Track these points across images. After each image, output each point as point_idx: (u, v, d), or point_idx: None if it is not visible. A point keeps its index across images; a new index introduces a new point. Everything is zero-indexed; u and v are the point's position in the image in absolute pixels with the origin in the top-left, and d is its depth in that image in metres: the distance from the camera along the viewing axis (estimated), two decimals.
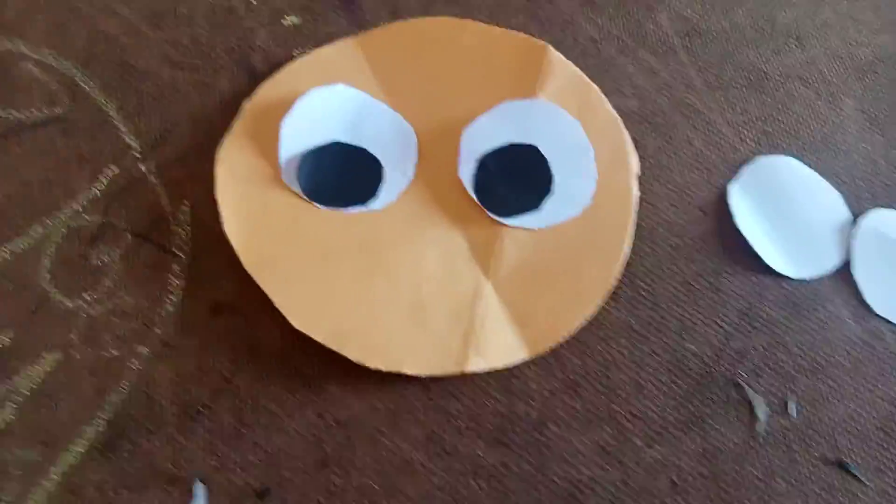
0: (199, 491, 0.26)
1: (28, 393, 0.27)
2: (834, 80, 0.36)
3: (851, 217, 0.33)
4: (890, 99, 0.36)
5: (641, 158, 0.33)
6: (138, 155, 0.31)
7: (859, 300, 0.32)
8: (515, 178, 0.31)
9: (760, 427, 0.29)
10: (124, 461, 0.26)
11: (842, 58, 0.37)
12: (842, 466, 0.29)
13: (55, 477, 0.26)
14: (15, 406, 0.26)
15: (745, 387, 0.30)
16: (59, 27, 0.33)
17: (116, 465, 0.26)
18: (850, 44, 0.37)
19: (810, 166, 0.34)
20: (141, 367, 0.28)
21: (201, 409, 0.27)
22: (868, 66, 0.37)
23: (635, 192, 0.32)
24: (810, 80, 0.36)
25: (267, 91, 0.31)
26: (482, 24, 0.34)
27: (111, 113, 0.31)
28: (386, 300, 0.28)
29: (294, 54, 0.33)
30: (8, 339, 0.27)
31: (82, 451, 0.26)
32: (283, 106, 0.31)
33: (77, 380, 0.27)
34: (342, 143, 0.30)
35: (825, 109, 0.35)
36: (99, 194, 0.30)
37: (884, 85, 0.36)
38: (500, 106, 0.32)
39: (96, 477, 0.26)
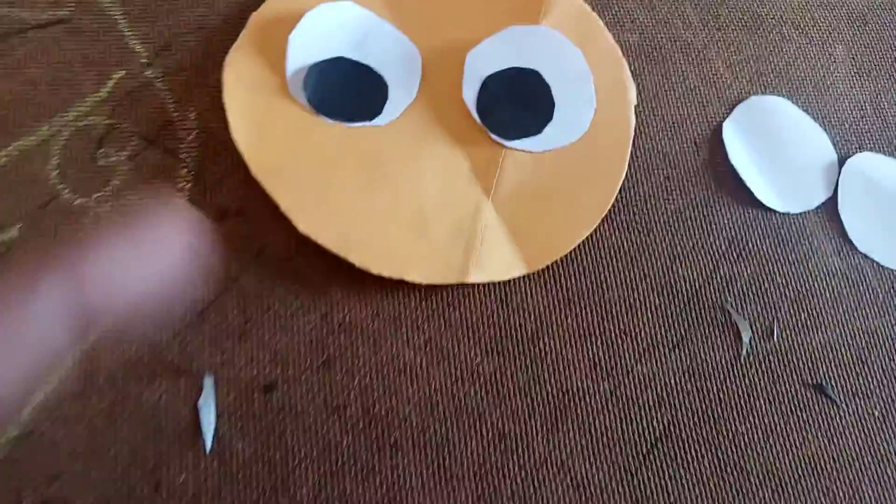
0: (208, 383, 0.26)
1: None
2: (825, 26, 0.38)
3: (838, 158, 0.35)
4: (879, 47, 0.38)
5: (639, 91, 0.35)
6: (144, 60, 0.31)
7: (843, 236, 0.34)
8: (518, 102, 0.32)
9: (744, 349, 0.31)
10: (132, 352, 0.27)
11: (833, 5, 0.38)
12: (819, 389, 0.31)
13: (69, 361, 0.26)
14: None
15: (731, 311, 0.31)
16: None
17: (127, 356, 0.27)
18: None
19: (801, 107, 0.36)
20: None
21: (207, 307, 0.28)
22: (859, 14, 0.38)
23: (632, 121, 0.33)
24: (803, 25, 0.37)
25: (274, 3, 0.32)
26: None
27: (117, 17, 0.31)
28: (389, 211, 0.29)
29: None
30: (17, 232, 0.28)
31: (92, 340, 0.27)
32: (290, 19, 0.31)
33: None
34: (348, 59, 0.31)
35: (816, 54, 0.37)
36: (105, 97, 0.30)
37: (874, 33, 0.38)
38: (505, 31, 0.33)
39: (106, 365, 0.27)
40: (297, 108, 0.30)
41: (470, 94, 0.31)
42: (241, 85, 0.30)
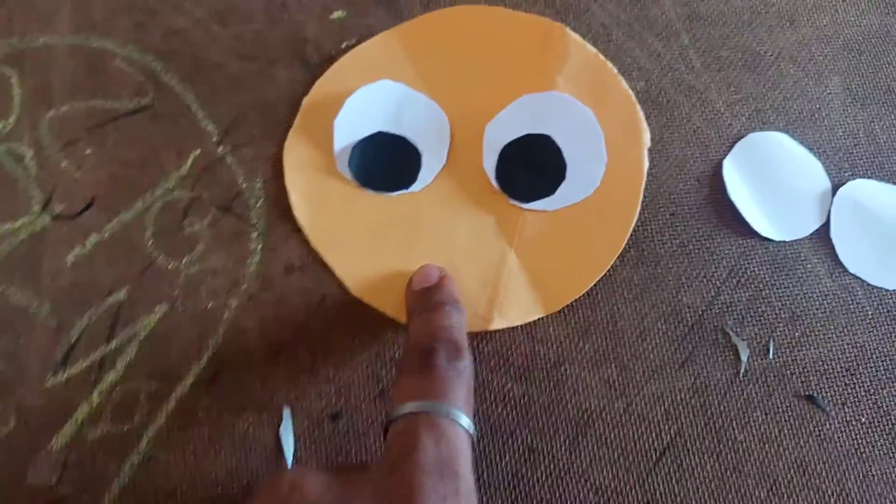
0: (287, 413, 0.33)
1: (145, 336, 0.34)
2: (822, 59, 0.41)
3: (831, 186, 0.39)
4: (873, 76, 0.42)
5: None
6: (215, 139, 0.37)
7: (834, 259, 0.38)
8: (532, 167, 0.37)
9: (742, 367, 0.36)
10: (224, 390, 0.33)
11: (829, 37, 0.42)
12: (811, 400, 0.35)
13: (172, 402, 0.33)
14: (136, 347, 0.34)
15: (731, 333, 0.36)
16: (139, 26, 0.39)
17: (218, 394, 0.33)
18: (839, 24, 0.42)
19: (797, 140, 0.40)
20: (232, 315, 0.35)
21: (282, 348, 0.34)
22: (854, 45, 0.42)
23: (646, 164, 0.37)
24: (800, 60, 0.41)
25: (321, 87, 0.38)
26: (507, 10, 0.40)
27: (189, 102, 0.38)
28: None
29: (342, 46, 0.39)
30: (124, 294, 0.34)
31: (191, 382, 0.33)
32: (336, 101, 0.37)
33: (182, 327, 0.34)
34: (385, 133, 0.37)
35: (813, 87, 0.41)
36: (186, 173, 0.36)
37: (868, 63, 0.42)
38: (518, 100, 0.38)
39: (203, 403, 0.33)
40: (344, 183, 0.36)
41: (489, 164, 0.37)
42: (299, 167, 0.36)
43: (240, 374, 0.34)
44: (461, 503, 0.22)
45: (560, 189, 0.36)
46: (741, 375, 0.35)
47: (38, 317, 0.34)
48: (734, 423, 0.34)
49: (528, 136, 0.37)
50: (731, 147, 0.39)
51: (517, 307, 0.35)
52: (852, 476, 0.34)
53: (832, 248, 0.38)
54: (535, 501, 0.33)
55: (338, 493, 0.23)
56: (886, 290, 0.37)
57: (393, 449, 0.24)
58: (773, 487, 0.33)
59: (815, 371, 0.36)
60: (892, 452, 0.34)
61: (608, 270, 0.36)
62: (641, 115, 0.38)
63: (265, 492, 0.23)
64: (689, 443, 0.34)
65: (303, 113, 0.37)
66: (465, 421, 0.25)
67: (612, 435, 0.34)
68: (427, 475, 0.22)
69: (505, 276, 0.35)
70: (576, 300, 0.36)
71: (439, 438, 0.24)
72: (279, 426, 0.33)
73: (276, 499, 0.23)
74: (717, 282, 0.37)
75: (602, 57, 0.39)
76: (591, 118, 0.37)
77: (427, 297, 0.31)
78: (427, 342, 0.28)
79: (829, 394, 0.35)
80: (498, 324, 0.35)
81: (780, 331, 0.36)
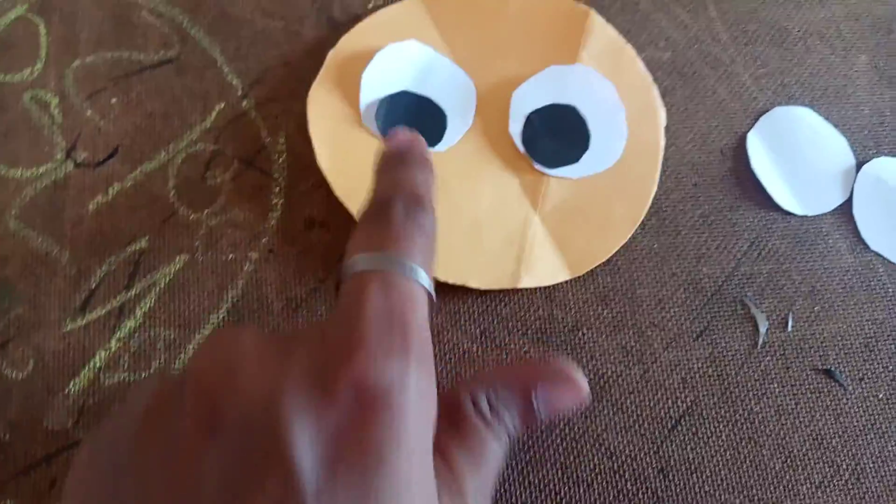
0: None
1: (165, 285, 0.34)
2: (850, 36, 0.41)
3: (855, 162, 0.39)
4: None
5: (670, 106, 0.39)
6: (240, 93, 0.37)
7: (856, 236, 0.37)
8: (557, 135, 0.37)
9: (761, 339, 0.36)
10: None
11: (859, 15, 0.41)
12: (829, 374, 0.35)
13: (190, 351, 0.33)
14: (156, 295, 0.34)
15: (750, 304, 0.36)
16: None
17: None
18: (868, 1, 0.41)
19: (822, 116, 0.39)
20: (252, 268, 0.34)
21: (300, 303, 0.34)
22: (883, 23, 0.42)
23: (662, 142, 0.38)
24: (828, 36, 0.41)
25: (347, 42, 0.37)
26: None
27: (215, 56, 0.38)
28: (451, 226, 0.35)
29: (369, 6, 0.39)
30: (145, 243, 0.34)
31: (210, 332, 0.33)
32: (362, 56, 0.37)
33: (202, 277, 0.34)
34: (412, 93, 0.37)
35: (840, 64, 0.40)
36: (210, 126, 0.36)
37: None
38: (545, 70, 0.38)
39: None
40: (370, 136, 0.36)
41: (515, 129, 0.37)
42: (323, 117, 0.36)
43: (258, 327, 0.34)
44: (410, 358, 0.20)
45: (583, 158, 0.36)
46: (759, 347, 0.35)
47: (58, 263, 0.34)
48: (751, 394, 0.34)
49: (554, 105, 0.37)
50: (755, 120, 0.39)
51: (544, 267, 0.35)
52: (868, 451, 0.34)
53: (854, 224, 0.37)
54: (549, 464, 0.33)
55: (276, 343, 0.21)
56: None
57: (340, 303, 0.22)
58: (788, 459, 0.33)
59: (834, 346, 0.35)
60: None
61: (629, 238, 0.36)
62: (658, 95, 0.38)
63: (206, 340, 0.22)
64: (704, 412, 0.34)
65: (328, 66, 0.37)
66: (422, 276, 0.23)
67: (628, 401, 0.34)
68: (373, 325, 0.20)
69: (530, 237, 0.35)
70: (595, 266, 0.35)
71: (389, 290, 0.22)
72: None
73: (213, 346, 0.21)
74: (738, 253, 0.36)
75: (623, 40, 0.39)
76: (613, 93, 0.37)
77: (395, 155, 0.27)
78: (384, 194, 0.25)
79: (846, 369, 0.35)
80: (526, 282, 0.34)
81: (799, 304, 0.36)
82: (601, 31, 0.39)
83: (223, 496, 0.18)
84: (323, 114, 0.36)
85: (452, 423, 0.22)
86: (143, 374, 0.33)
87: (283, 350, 0.21)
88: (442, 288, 0.35)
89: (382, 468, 0.19)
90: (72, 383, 0.32)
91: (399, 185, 0.25)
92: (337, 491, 0.18)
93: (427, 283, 0.23)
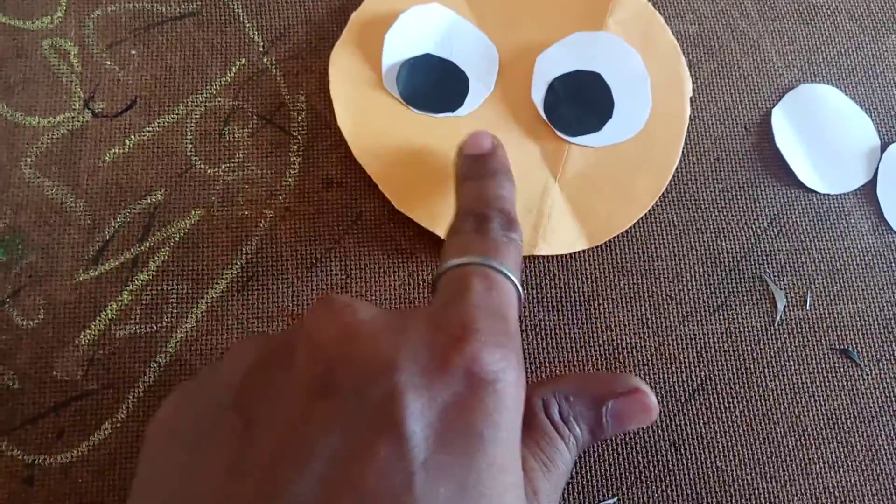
0: None
1: (179, 239, 0.33)
2: (880, 15, 0.40)
3: (880, 143, 0.38)
4: None
5: (696, 79, 0.38)
6: (261, 49, 0.36)
7: (879, 216, 0.36)
8: (580, 102, 0.36)
9: (778, 316, 0.35)
10: (255, 298, 0.32)
11: None
12: (845, 354, 0.34)
13: (203, 306, 0.32)
14: (170, 249, 0.33)
15: (769, 281, 0.35)
16: None
17: (249, 301, 0.32)
18: None
19: (849, 95, 0.38)
20: (267, 226, 0.33)
21: (315, 262, 0.33)
22: None
23: (687, 112, 0.36)
24: (857, 15, 0.40)
25: (370, 4, 0.36)
26: None
27: (238, 10, 0.36)
28: None
29: None
30: (161, 196, 0.33)
31: (223, 287, 0.32)
32: (385, 18, 0.35)
33: (217, 232, 0.33)
34: (434, 56, 0.35)
35: (868, 43, 0.39)
36: (230, 81, 0.35)
37: None
38: (570, 36, 0.36)
39: (234, 309, 0.32)
40: (391, 99, 0.35)
41: (538, 95, 0.35)
42: (344, 79, 0.35)
43: (271, 284, 0.33)
44: (510, 342, 0.22)
45: (606, 127, 0.35)
46: (776, 324, 0.34)
47: (73, 212, 0.33)
48: (766, 370, 0.33)
49: (578, 71, 0.35)
50: (780, 97, 0.37)
51: (561, 236, 0.34)
52: (883, 433, 0.33)
53: (878, 204, 0.36)
54: None
55: (391, 319, 0.22)
56: None
57: (444, 293, 0.24)
58: (802, 438, 0.32)
59: (852, 326, 0.34)
60: None
61: (648, 210, 0.35)
62: (685, 65, 0.36)
63: (320, 304, 0.22)
64: (719, 387, 0.33)
65: (350, 27, 0.35)
66: (517, 281, 0.24)
67: (643, 373, 0.33)
68: (480, 311, 0.22)
69: (549, 205, 0.34)
70: (614, 237, 0.34)
71: (490, 286, 0.23)
72: None
73: (330, 312, 0.22)
74: (758, 229, 0.35)
75: (651, 7, 0.37)
76: (639, 62, 0.36)
77: (480, 163, 0.30)
78: (481, 209, 0.27)
79: (864, 349, 0.34)
80: (542, 250, 0.33)
81: (818, 283, 0.35)
82: None
83: (337, 454, 0.19)
84: (344, 75, 0.35)
85: (525, 425, 0.23)
86: (155, 327, 0.32)
87: (398, 326, 0.22)
88: None
89: (483, 447, 0.20)
90: (82, 334, 0.31)
91: (492, 203, 0.28)
92: (442, 462, 0.19)
93: (520, 289, 0.25)
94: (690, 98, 0.36)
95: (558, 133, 0.35)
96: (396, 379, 0.20)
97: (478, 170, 0.29)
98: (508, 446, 0.21)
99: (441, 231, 0.33)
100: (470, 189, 0.29)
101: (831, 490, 0.32)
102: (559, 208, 0.34)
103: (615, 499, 0.31)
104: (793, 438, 0.32)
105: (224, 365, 0.23)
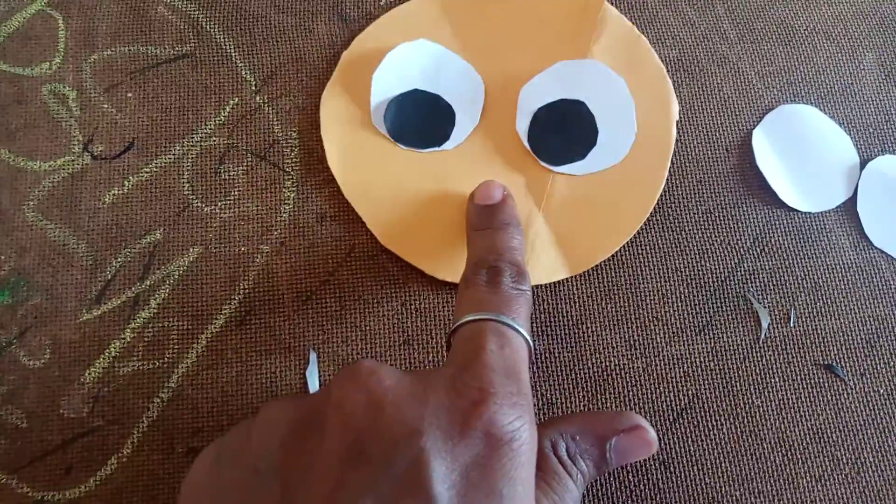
0: (313, 357, 0.32)
1: (178, 277, 0.33)
2: (857, 34, 0.40)
3: (859, 160, 0.38)
4: None
5: (678, 103, 0.38)
6: (254, 88, 0.36)
7: (860, 233, 0.37)
8: (564, 131, 0.36)
9: (763, 334, 0.35)
10: (253, 332, 0.33)
11: (866, 13, 0.40)
12: (830, 370, 0.34)
13: (203, 341, 0.32)
14: (169, 287, 0.33)
15: (753, 300, 0.35)
16: None
17: (247, 335, 0.33)
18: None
19: (828, 114, 0.38)
20: (263, 260, 0.34)
21: (310, 295, 0.34)
22: (891, 21, 0.40)
23: (674, 136, 0.36)
24: (834, 35, 0.40)
25: (360, 43, 0.37)
26: None
27: (230, 51, 0.37)
28: (454, 225, 0.34)
29: (382, 3, 0.38)
30: (160, 235, 0.34)
31: (222, 323, 0.33)
32: (374, 56, 0.36)
33: (215, 268, 0.34)
34: (422, 91, 0.36)
35: (846, 62, 0.39)
36: (224, 120, 0.36)
37: None
38: (554, 66, 0.37)
39: (233, 343, 0.33)
40: (379, 137, 0.35)
41: (522, 126, 0.36)
42: (334, 119, 0.35)
43: (269, 318, 0.33)
44: (524, 402, 0.23)
45: (590, 154, 0.35)
46: (761, 342, 0.34)
47: (75, 254, 0.33)
48: (752, 388, 0.33)
49: (562, 100, 0.36)
50: (761, 118, 0.38)
51: (543, 266, 0.34)
52: (868, 445, 0.33)
53: (858, 221, 0.36)
54: None
55: (413, 385, 0.23)
56: None
57: (460, 352, 0.25)
58: (789, 453, 0.33)
59: (836, 341, 0.34)
60: None
61: (633, 234, 0.35)
62: (672, 88, 0.37)
63: (346, 374, 0.23)
64: (706, 405, 0.33)
65: (341, 67, 0.36)
66: (527, 334, 0.26)
67: (631, 394, 0.33)
68: (495, 373, 0.23)
69: (532, 236, 0.34)
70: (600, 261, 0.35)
71: (504, 344, 0.25)
72: (305, 369, 0.32)
73: (356, 381, 0.23)
74: (741, 249, 0.35)
75: (637, 31, 0.37)
76: (623, 88, 0.36)
77: (491, 214, 0.31)
78: (493, 260, 0.28)
79: (848, 364, 0.34)
80: None
81: (801, 300, 0.35)
82: (616, 23, 0.38)
83: None
84: (334, 116, 0.35)
85: (536, 465, 0.24)
86: (157, 363, 0.32)
87: (419, 392, 0.23)
88: (445, 284, 0.34)
89: (503, 501, 0.21)
90: (87, 372, 0.32)
91: (503, 255, 0.29)
92: None
93: (530, 341, 0.26)
94: (676, 122, 0.37)
95: (542, 163, 0.35)
96: (422, 445, 0.21)
97: (488, 220, 0.31)
98: (525, 498, 0.22)
99: (426, 266, 0.34)
100: (481, 240, 0.30)
101: None
102: (543, 238, 0.35)
103: None
104: (780, 454, 0.33)
105: (257, 429, 0.24)
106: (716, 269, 0.35)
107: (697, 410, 0.33)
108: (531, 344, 0.26)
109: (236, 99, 0.36)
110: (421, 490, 0.21)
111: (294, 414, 0.23)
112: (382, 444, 0.22)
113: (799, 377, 0.34)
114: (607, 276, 0.35)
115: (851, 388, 0.34)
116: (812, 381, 0.34)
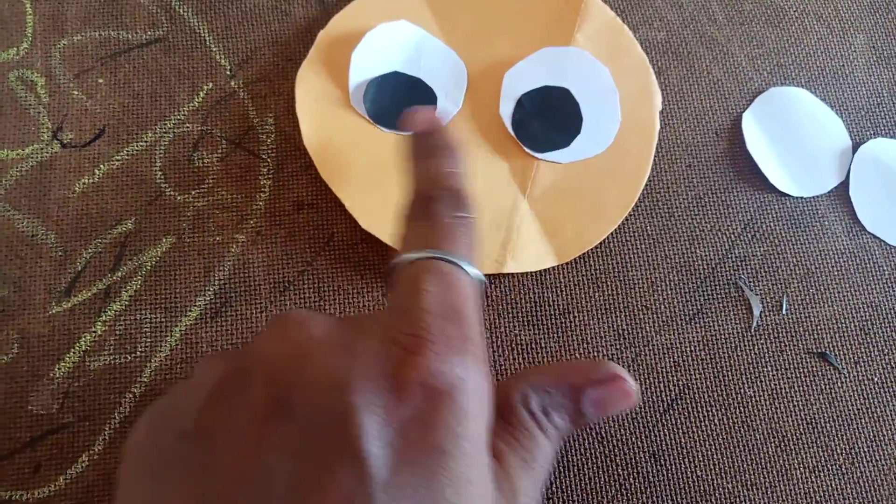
0: None
1: (151, 268, 0.31)
2: (847, 15, 0.38)
3: (852, 144, 0.36)
4: None
5: (665, 86, 0.36)
6: (228, 73, 0.34)
7: (852, 217, 0.35)
8: (549, 118, 0.34)
9: (754, 322, 0.33)
10: (229, 324, 0.31)
11: None
12: (823, 358, 0.33)
13: (177, 334, 0.31)
14: (142, 278, 0.31)
15: (744, 287, 0.34)
16: None
17: (222, 328, 0.31)
18: None
19: (819, 96, 0.37)
20: (239, 250, 0.32)
21: (288, 285, 0.32)
22: (882, 2, 0.39)
23: (657, 126, 0.35)
24: (825, 16, 0.38)
25: (338, 22, 0.35)
26: None
27: (204, 35, 0.35)
28: None
29: None
30: (132, 225, 0.32)
31: (196, 315, 0.31)
32: (352, 37, 0.34)
33: (189, 259, 0.32)
34: (402, 74, 0.34)
35: (837, 44, 0.38)
36: (198, 106, 0.34)
37: (895, 21, 0.39)
38: (539, 52, 0.35)
39: (208, 336, 0.31)
40: (358, 118, 0.33)
41: (506, 111, 0.34)
42: (311, 98, 0.33)
43: (245, 309, 0.31)
44: (467, 346, 0.20)
45: (575, 142, 0.34)
46: (753, 330, 0.33)
47: (44, 245, 0.31)
48: (744, 377, 0.32)
49: (546, 87, 0.34)
50: (751, 101, 0.36)
51: (530, 253, 0.32)
52: (862, 435, 0.31)
53: (851, 205, 0.35)
54: None
55: (343, 334, 0.20)
56: None
57: (396, 296, 0.22)
58: (782, 443, 0.31)
59: (829, 329, 0.33)
60: None
61: (619, 223, 0.33)
62: (654, 79, 0.35)
63: (273, 324, 0.21)
64: (697, 395, 0.31)
65: (317, 46, 0.34)
66: (471, 268, 0.23)
67: None
68: (433, 316, 0.20)
69: (517, 222, 0.33)
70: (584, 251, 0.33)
71: (443, 283, 0.22)
72: None
73: (282, 332, 0.21)
74: (732, 235, 0.34)
75: (621, 22, 0.36)
76: (608, 77, 0.34)
77: (425, 140, 0.27)
78: (427, 189, 0.25)
79: (841, 352, 0.33)
80: (511, 268, 0.32)
81: (794, 287, 0.33)
82: (599, 12, 0.36)
83: (294, 480, 0.18)
84: (311, 95, 0.33)
85: (504, 422, 0.22)
86: (129, 357, 0.30)
87: (350, 340, 0.20)
88: None
89: (446, 461, 0.19)
90: (57, 367, 0.30)
91: (437, 182, 0.25)
92: (404, 481, 0.18)
93: (477, 275, 0.23)
94: (660, 111, 0.35)
95: (526, 149, 0.34)
96: (351, 400, 0.19)
97: (423, 147, 0.27)
98: (473, 457, 0.19)
99: None
100: (416, 169, 0.26)
101: (812, 495, 0.31)
102: (528, 225, 0.33)
103: None
104: (772, 444, 0.31)
105: (190, 385, 0.22)
106: (706, 255, 0.34)
107: (688, 401, 0.31)
108: (481, 278, 0.23)
109: (210, 84, 0.34)
110: (349, 449, 0.18)
111: (221, 369, 0.21)
112: (306, 398, 0.19)
113: (792, 366, 0.32)
114: (595, 264, 0.33)
115: (845, 377, 0.32)
116: (805, 370, 0.32)
